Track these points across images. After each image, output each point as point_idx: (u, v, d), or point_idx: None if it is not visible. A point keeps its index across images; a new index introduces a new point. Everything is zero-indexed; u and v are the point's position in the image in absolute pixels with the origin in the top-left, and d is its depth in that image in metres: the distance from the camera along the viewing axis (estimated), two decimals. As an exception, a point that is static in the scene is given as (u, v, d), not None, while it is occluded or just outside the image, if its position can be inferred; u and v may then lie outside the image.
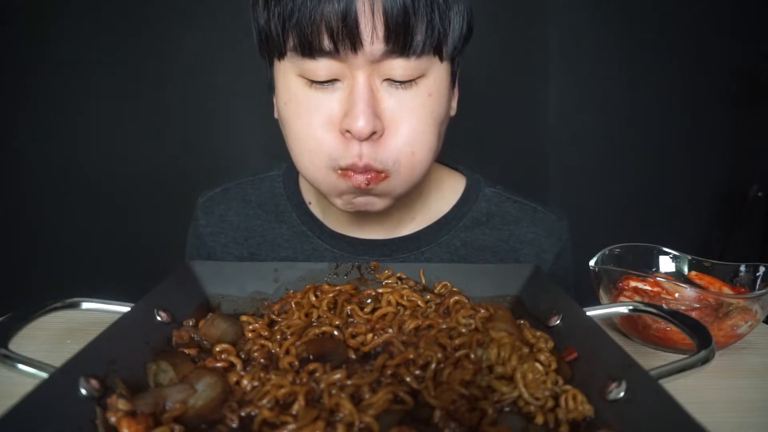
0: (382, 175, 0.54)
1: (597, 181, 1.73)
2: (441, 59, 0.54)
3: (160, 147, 1.60)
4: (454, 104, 0.62)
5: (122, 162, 1.60)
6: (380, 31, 0.48)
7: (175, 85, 1.56)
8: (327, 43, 0.49)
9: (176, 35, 1.52)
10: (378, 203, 0.59)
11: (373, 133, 0.51)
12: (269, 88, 0.61)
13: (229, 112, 1.58)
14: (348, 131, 0.51)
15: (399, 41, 0.49)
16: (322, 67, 0.51)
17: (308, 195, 0.72)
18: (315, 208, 0.72)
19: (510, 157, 1.65)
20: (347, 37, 0.48)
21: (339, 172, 0.54)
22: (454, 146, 0.69)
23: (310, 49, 0.50)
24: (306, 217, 0.71)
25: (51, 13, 1.49)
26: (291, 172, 0.74)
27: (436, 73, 0.54)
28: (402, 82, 0.52)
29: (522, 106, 1.66)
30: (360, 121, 0.50)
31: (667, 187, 1.74)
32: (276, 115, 0.61)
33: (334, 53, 0.50)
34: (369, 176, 0.54)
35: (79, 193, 1.62)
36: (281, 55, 0.53)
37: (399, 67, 0.51)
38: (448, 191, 0.73)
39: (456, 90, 0.62)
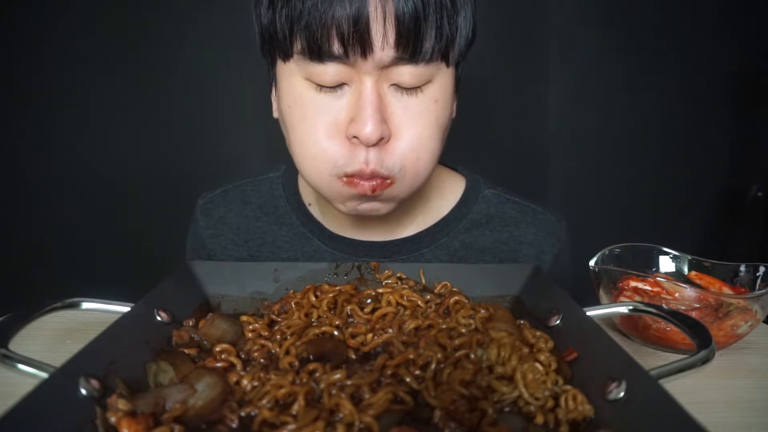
0: (388, 181, 0.54)
1: (597, 181, 1.73)
2: (447, 65, 0.53)
3: (161, 147, 1.60)
4: (454, 107, 0.62)
5: (123, 162, 1.60)
6: (391, 36, 0.48)
7: (175, 85, 1.56)
8: (337, 48, 0.48)
9: (177, 35, 1.52)
10: (382, 208, 0.59)
11: (381, 138, 0.51)
12: (270, 87, 0.60)
13: (230, 113, 1.58)
14: (355, 137, 0.51)
15: (409, 47, 0.49)
16: (330, 71, 0.50)
17: (308, 196, 0.72)
18: (314, 210, 0.72)
19: (510, 157, 1.65)
20: (358, 42, 0.48)
21: (344, 179, 0.54)
22: (455, 147, 0.69)
23: (318, 53, 0.49)
24: (306, 218, 0.71)
25: (52, 14, 1.49)
26: (290, 173, 0.74)
27: (442, 79, 0.54)
28: (409, 89, 0.52)
29: (522, 106, 1.66)
30: (368, 126, 0.50)
31: (667, 187, 1.74)
32: (276, 115, 0.61)
33: (344, 58, 0.49)
34: (375, 183, 0.53)
35: (79, 193, 1.62)
36: (287, 57, 0.52)
37: (407, 73, 0.51)
38: (449, 192, 0.73)
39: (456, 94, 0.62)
